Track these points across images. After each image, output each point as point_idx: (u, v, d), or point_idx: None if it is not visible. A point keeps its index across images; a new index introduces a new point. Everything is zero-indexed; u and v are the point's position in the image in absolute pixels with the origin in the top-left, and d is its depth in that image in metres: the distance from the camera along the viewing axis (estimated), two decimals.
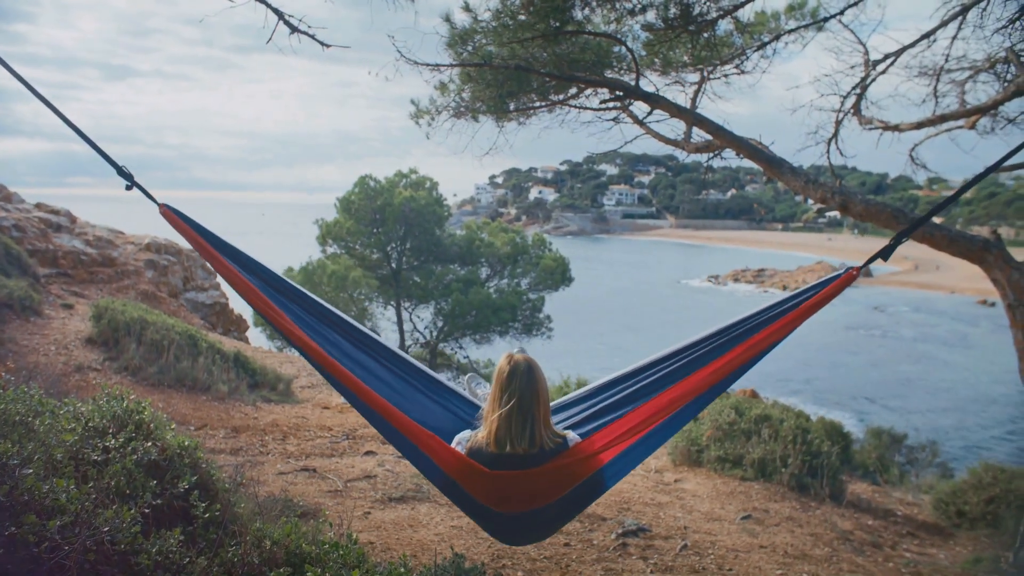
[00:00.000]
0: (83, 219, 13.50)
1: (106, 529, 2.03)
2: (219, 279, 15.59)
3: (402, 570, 2.58)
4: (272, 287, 2.81)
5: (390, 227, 20.00)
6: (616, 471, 2.58)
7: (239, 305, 16.46)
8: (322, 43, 4.78)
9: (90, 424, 2.69)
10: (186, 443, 2.84)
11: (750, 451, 6.84)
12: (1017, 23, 5.16)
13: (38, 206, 12.76)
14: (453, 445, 2.50)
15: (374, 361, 2.82)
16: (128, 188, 2.71)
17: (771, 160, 5.86)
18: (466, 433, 2.59)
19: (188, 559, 2.22)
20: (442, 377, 3.00)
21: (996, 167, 2.56)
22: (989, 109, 6.01)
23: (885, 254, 2.51)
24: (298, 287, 2.91)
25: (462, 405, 2.88)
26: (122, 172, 2.68)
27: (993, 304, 45.68)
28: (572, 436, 2.48)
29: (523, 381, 2.35)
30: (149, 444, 2.66)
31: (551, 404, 2.66)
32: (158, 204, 2.70)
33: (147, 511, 2.34)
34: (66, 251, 11.64)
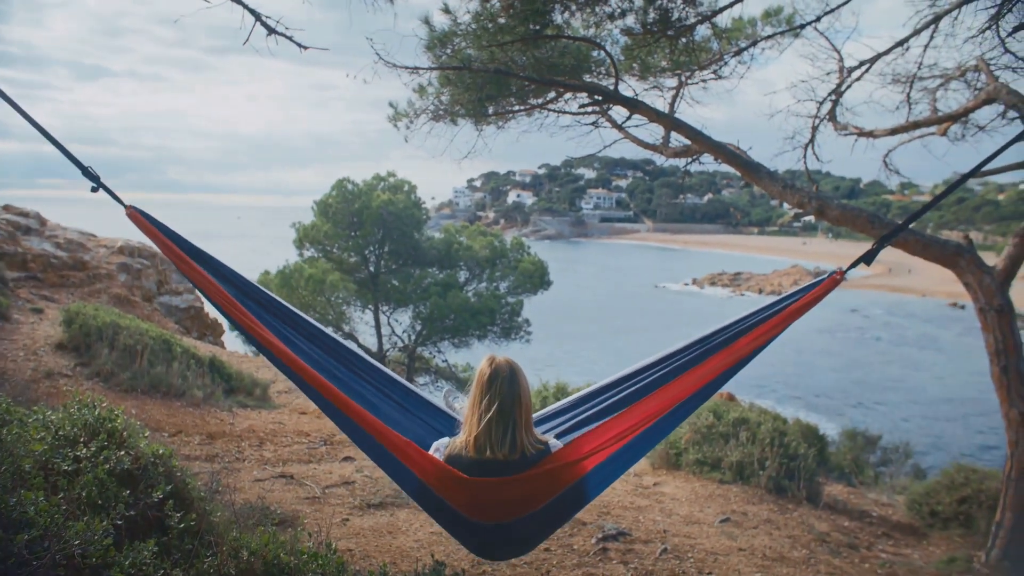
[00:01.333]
0: (53, 221, 13.22)
1: (77, 542, 1.97)
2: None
3: None
4: (243, 292, 2.75)
5: (368, 230, 19.87)
6: (600, 480, 2.49)
7: (214, 310, 16.22)
8: (300, 45, 4.73)
9: (60, 433, 2.62)
10: (160, 451, 2.78)
11: (728, 454, 6.89)
12: (988, 32, 5.26)
13: (6, 208, 12.46)
14: (431, 452, 2.42)
15: (347, 370, 2.75)
16: (94, 190, 2.63)
17: (749, 165, 5.91)
18: (444, 440, 2.49)
19: (162, 571, 2.17)
20: (419, 389, 2.91)
21: (977, 170, 2.61)
22: (960, 116, 6.12)
23: (868, 258, 2.52)
24: (269, 293, 2.85)
25: (439, 417, 2.78)
26: (88, 173, 2.61)
27: (963, 307, 46.61)
28: (554, 442, 2.40)
29: (505, 385, 2.27)
30: (122, 453, 2.59)
31: (539, 413, 2.64)
32: (124, 206, 2.63)
33: (120, 522, 2.28)
34: (36, 254, 11.39)
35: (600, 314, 48.79)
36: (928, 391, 29.08)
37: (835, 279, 2.49)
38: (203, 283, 2.60)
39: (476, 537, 2.58)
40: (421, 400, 2.83)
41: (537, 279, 21.04)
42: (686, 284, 65.44)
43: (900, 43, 6.12)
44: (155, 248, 13.79)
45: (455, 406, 3.01)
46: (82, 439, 2.63)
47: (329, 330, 2.97)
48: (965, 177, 2.87)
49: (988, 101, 5.64)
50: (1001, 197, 69.34)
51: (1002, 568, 5.21)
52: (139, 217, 2.62)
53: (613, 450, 2.39)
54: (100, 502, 2.33)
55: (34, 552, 1.87)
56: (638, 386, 2.59)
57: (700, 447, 7.12)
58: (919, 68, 6.31)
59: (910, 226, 5.54)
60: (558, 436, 2.56)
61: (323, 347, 2.77)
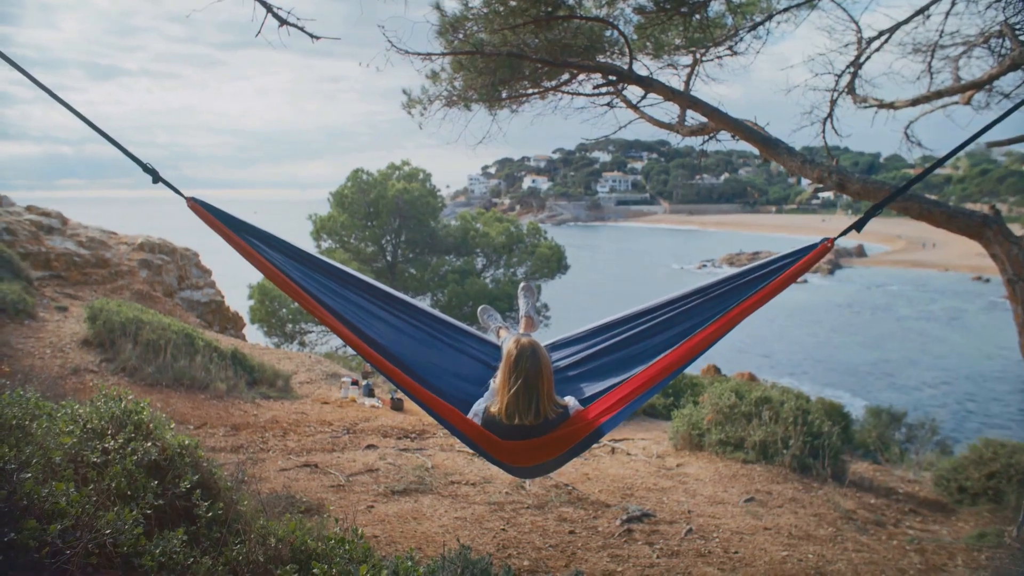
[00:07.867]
0: (75, 220, 13.39)
1: (108, 532, 2.00)
2: (215, 277, 15.52)
3: (409, 563, 2.56)
4: (306, 266, 2.98)
5: (384, 220, 19.91)
6: (610, 426, 2.88)
7: (235, 303, 16.38)
8: (312, 35, 4.72)
9: (88, 426, 2.65)
10: (186, 442, 2.81)
11: (751, 434, 6.84)
12: None
13: (28, 208, 12.63)
14: (470, 416, 2.84)
15: (409, 324, 3.18)
16: (154, 182, 2.73)
17: (767, 141, 5.82)
18: (480, 404, 2.91)
19: (192, 559, 2.20)
20: (463, 324, 3.42)
21: (980, 135, 2.54)
22: (984, 84, 5.97)
23: (859, 226, 2.60)
24: (331, 262, 3.08)
25: (483, 347, 3.33)
26: (147, 168, 2.71)
27: (988, 280, 45.82)
28: (572, 404, 2.80)
29: (529, 363, 2.64)
30: (149, 444, 2.62)
31: (555, 340, 3.24)
32: (185, 197, 2.76)
33: (149, 512, 2.31)
34: (59, 253, 11.55)
35: (619, 297, 48.57)
36: (955, 366, 28.66)
37: (825, 247, 2.65)
38: (266, 270, 2.79)
39: (510, 472, 3.15)
40: (467, 334, 3.36)
41: (555, 264, 20.99)
42: (703, 265, 64.95)
43: (920, 11, 5.97)
44: (174, 244, 13.86)
45: (491, 325, 4.07)
46: (110, 431, 2.66)
47: (382, 285, 3.27)
48: (966, 143, 2.80)
49: (1013, 67, 5.48)
50: None
51: None
52: (199, 208, 2.76)
53: (621, 407, 2.81)
54: (129, 493, 2.37)
55: (67, 541, 1.90)
56: (642, 337, 3.05)
57: (723, 427, 7.08)
58: (940, 36, 6.15)
59: (933, 198, 5.42)
60: (570, 365, 3.12)
61: (390, 307, 3.17)
